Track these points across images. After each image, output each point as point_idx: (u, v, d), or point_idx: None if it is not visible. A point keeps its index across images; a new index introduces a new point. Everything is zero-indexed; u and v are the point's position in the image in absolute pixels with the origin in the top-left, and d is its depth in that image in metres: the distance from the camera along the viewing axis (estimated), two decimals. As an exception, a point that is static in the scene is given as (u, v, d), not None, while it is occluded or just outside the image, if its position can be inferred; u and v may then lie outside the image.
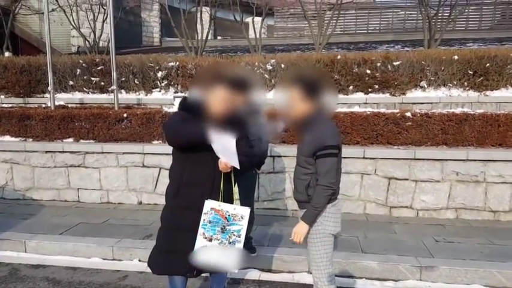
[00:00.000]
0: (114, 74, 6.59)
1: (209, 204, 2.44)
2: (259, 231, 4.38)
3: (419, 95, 6.89)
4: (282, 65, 7.04)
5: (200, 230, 2.42)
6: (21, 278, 3.64)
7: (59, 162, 5.72)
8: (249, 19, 11.60)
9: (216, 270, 2.58)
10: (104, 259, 4.05)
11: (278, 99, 2.67)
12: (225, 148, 2.34)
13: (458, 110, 5.39)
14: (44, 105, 7.22)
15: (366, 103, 6.87)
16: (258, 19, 11.18)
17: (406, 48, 10.63)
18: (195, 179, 2.51)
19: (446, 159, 4.88)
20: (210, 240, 2.43)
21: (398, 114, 5.29)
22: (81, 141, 5.86)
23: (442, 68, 6.95)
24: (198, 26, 10.24)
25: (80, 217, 5.01)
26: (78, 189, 5.75)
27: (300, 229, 2.42)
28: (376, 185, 5.07)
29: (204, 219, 2.43)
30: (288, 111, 2.53)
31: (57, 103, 7.13)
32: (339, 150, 2.39)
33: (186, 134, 2.43)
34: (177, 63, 7.65)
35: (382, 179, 5.05)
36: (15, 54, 10.40)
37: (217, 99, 2.44)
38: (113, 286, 3.51)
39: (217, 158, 2.43)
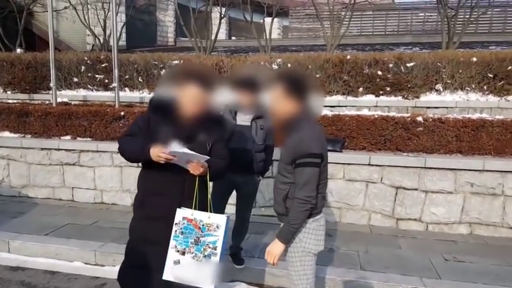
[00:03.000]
0: (116, 71, 6.43)
1: (181, 213, 2.20)
2: (252, 240, 4.08)
3: (434, 99, 6.47)
4: (289, 65, 6.74)
5: (172, 243, 2.18)
6: None
7: (54, 160, 5.59)
8: (266, 20, 11.37)
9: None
10: (86, 263, 3.87)
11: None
12: (184, 155, 2.11)
13: (475, 116, 4.98)
14: (48, 102, 7.13)
15: (376, 106, 6.50)
16: (274, 20, 10.92)
17: (425, 51, 10.17)
18: (161, 186, 2.28)
19: (460, 169, 4.47)
20: (183, 253, 2.18)
21: (409, 118, 4.92)
22: (78, 139, 5.72)
23: (460, 71, 6.51)
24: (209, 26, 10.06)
25: (70, 217, 4.85)
26: (73, 188, 5.60)
27: (273, 248, 2.13)
28: (382, 194, 4.70)
29: (176, 231, 2.19)
30: (271, 111, 2.25)
31: (61, 100, 7.06)
32: (322, 160, 2.08)
33: (128, 152, 2.31)
34: (181, 61, 7.45)
35: (389, 188, 4.68)
36: (30, 51, 10.43)
37: (189, 99, 2.21)
38: (88, 295, 3.30)
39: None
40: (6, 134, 5.99)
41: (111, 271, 3.68)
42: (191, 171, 2.19)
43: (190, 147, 2.23)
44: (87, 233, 4.31)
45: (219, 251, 2.16)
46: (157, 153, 2.10)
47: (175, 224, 2.18)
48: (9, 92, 8.20)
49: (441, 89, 6.47)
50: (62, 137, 5.76)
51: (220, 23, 10.19)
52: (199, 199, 2.25)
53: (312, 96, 2.15)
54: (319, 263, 3.49)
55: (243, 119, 3.18)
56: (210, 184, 3.11)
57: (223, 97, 3.14)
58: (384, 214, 4.73)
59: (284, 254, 2.22)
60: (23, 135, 5.93)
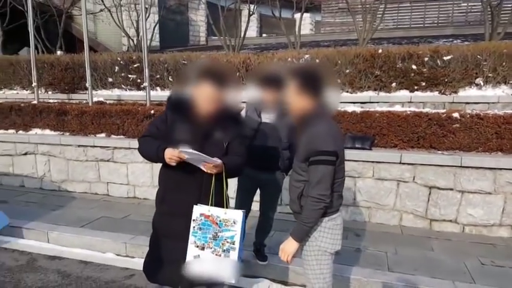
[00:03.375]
0: (146, 71, 6.56)
1: (198, 209, 2.23)
2: (276, 237, 4.03)
3: (473, 94, 6.07)
4: (317, 60, 6.58)
5: (191, 238, 2.22)
6: (35, 269, 3.69)
7: (90, 156, 5.82)
8: (296, 15, 11.24)
9: (211, 282, 2.34)
10: (117, 255, 4.02)
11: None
12: (195, 155, 2.12)
13: (518, 111, 4.64)
14: (85, 101, 7.41)
15: (410, 102, 6.21)
16: (306, 15, 10.74)
17: (467, 43, 9.63)
18: (181, 183, 2.32)
19: (500, 168, 4.19)
20: (203, 248, 2.22)
21: (444, 115, 4.66)
22: (112, 136, 5.92)
23: (503, 63, 6.08)
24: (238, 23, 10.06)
25: (104, 211, 5.04)
26: (108, 183, 5.81)
27: (287, 246, 2.10)
28: (414, 194, 4.49)
29: (194, 227, 2.23)
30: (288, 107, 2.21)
31: (97, 99, 7.32)
32: (337, 158, 2.00)
33: (146, 153, 2.35)
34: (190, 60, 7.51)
35: (422, 188, 4.47)
36: (70, 53, 10.88)
37: (204, 97, 2.21)
38: (117, 285, 3.42)
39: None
40: (47, 131, 6.32)
41: (140, 263, 3.78)
42: (206, 171, 2.19)
43: (207, 146, 2.24)
44: (119, 226, 4.47)
45: (237, 245, 2.19)
46: (169, 156, 2.14)
47: (193, 220, 2.22)
48: (50, 92, 8.59)
49: (482, 83, 6.07)
50: (97, 135, 6.00)
51: (248, 20, 10.14)
52: (216, 195, 2.27)
53: (327, 91, 2.08)
54: (344, 262, 3.43)
55: (268, 117, 3.13)
56: (235, 182, 3.13)
57: (247, 95, 3.12)
58: (416, 215, 4.52)
59: (301, 252, 2.19)
60: (61, 132, 6.22)
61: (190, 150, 2.10)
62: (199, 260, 2.19)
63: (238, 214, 2.20)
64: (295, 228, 2.09)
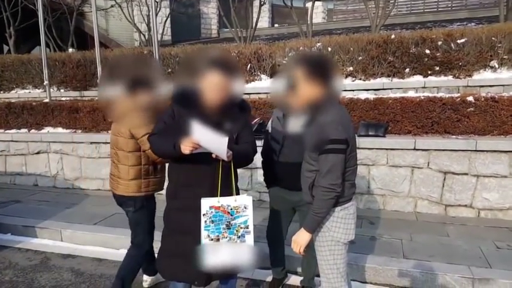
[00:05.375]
0: (158, 65, 6.60)
1: (207, 202, 2.19)
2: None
3: (488, 77, 5.93)
4: (329, 48, 6.52)
5: (204, 233, 2.18)
6: (49, 268, 3.67)
7: (102, 153, 5.81)
8: (308, 4, 11.12)
9: (230, 272, 2.33)
10: None
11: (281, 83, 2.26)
12: (212, 142, 2.06)
13: (535, 93, 4.54)
14: (96, 98, 7.45)
15: (424, 87, 6.10)
16: (318, 3, 10.61)
17: (481, 26, 9.40)
18: (193, 178, 2.28)
19: (517, 151, 4.13)
20: (217, 240, 2.20)
21: (458, 99, 4.60)
22: (125, 132, 5.95)
23: (519, 45, 5.93)
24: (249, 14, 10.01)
25: (118, 207, 4.94)
26: (121, 179, 5.84)
27: (299, 238, 2.08)
28: (429, 180, 4.46)
29: (206, 221, 2.19)
30: (292, 96, 2.15)
31: (109, 95, 7.34)
32: (348, 146, 1.97)
33: (161, 150, 2.27)
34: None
35: (437, 174, 4.43)
36: (82, 50, 10.96)
37: (212, 86, 2.15)
38: (131, 282, 3.43)
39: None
40: (60, 129, 6.33)
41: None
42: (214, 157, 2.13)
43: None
44: (132, 222, 4.47)
45: (251, 228, 2.19)
46: (183, 144, 2.07)
47: (203, 214, 2.18)
48: (62, 90, 8.57)
49: (496, 66, 5.93)
50: (109, 131, 6.00)
51: (260, 10, 10.08)
52: (225, 185, 2.23)
53: (336, 79, 2.06)
54: (359, 251, 3.44)
55: (295, 126, 2.49)
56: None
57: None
58: (431, 200, 4.49)
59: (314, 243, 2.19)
60: (74, 130, 6.22)
61: (204, 130, 2.01)
62: (216, 253, 2.16)
63: (248, 199, 2.20)
64: (307, 219, 2.08)
